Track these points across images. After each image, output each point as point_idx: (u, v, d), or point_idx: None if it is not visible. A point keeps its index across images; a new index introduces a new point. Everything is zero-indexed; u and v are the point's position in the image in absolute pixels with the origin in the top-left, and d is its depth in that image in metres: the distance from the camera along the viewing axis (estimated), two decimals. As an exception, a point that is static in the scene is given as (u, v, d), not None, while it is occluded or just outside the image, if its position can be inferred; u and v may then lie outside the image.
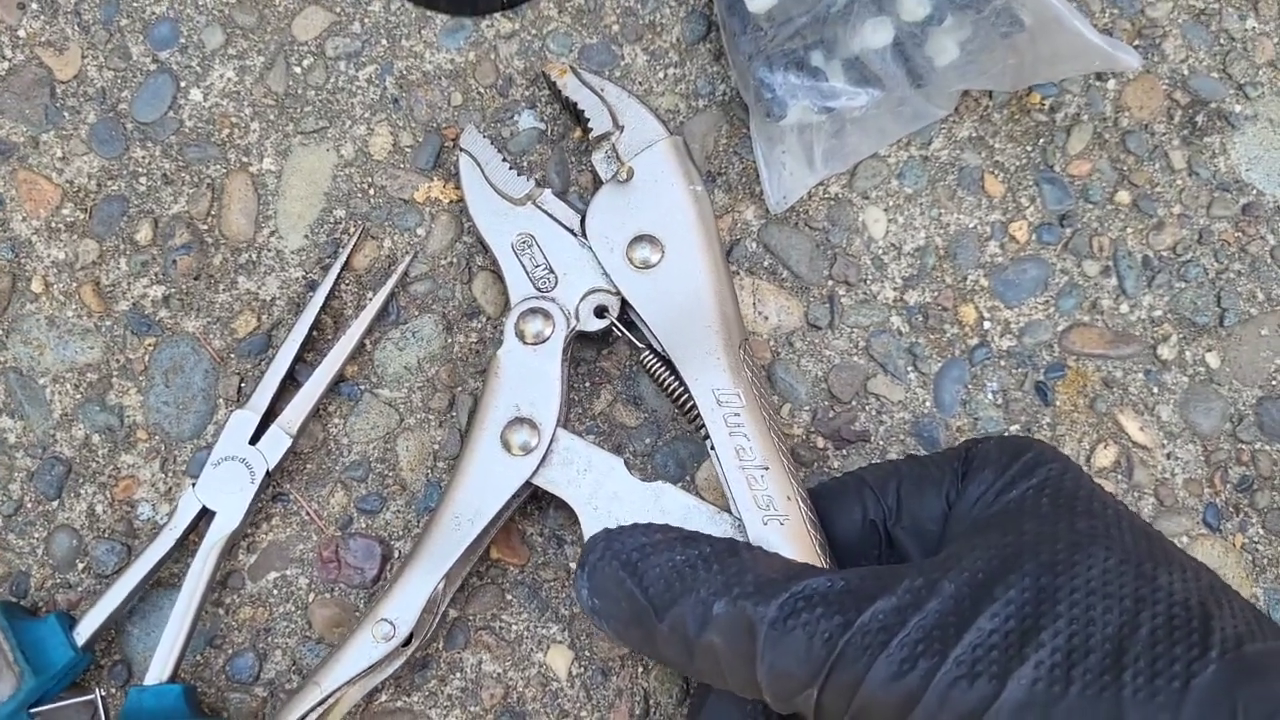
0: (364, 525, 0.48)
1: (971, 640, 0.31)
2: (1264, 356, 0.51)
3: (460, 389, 0.49)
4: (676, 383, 0.45)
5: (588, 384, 0.49)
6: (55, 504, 0.47)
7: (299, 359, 0.48)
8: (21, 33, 0.50)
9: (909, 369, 0.50)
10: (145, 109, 0.50)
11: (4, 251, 0.49)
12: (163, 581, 0.47)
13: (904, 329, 0.50)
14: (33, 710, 0.43)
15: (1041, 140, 0.52)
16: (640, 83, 0.52)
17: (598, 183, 0.47)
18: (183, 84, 0.51)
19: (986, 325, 0.51)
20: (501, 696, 0.47)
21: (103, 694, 0.44)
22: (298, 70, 0.51)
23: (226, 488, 0.45)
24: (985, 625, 0.32)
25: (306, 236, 0.50)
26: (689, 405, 0.44)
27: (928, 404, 0.50)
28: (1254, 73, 0.53)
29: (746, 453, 0.43)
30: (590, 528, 0.43)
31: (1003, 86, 0.51)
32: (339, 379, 0.48)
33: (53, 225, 0.49)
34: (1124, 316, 0.51)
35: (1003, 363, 0.50)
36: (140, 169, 0.50)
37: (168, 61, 0.51)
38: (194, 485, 0.45)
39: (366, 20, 0.52)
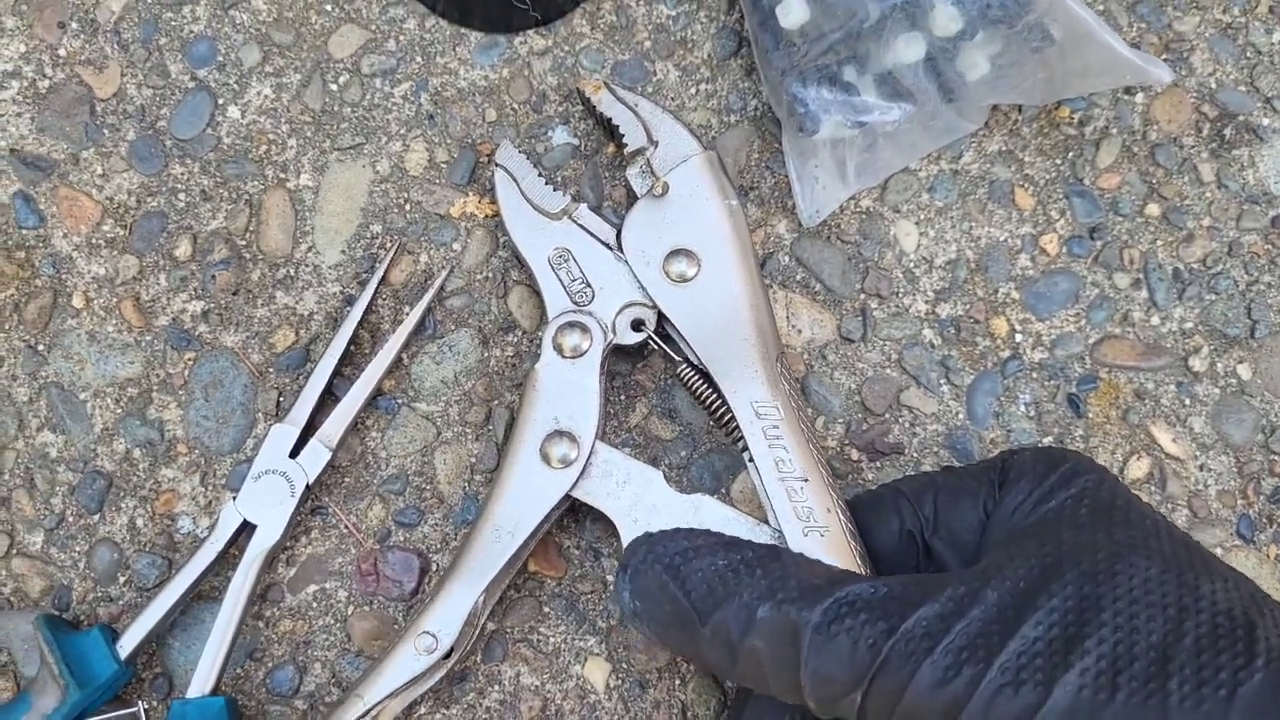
0: (402, 538, 0.48)
1: (1016, 648, 0.31)
2: (1295, 368, 0.51)
3: (497, 403, 0.49)
4: (714, 395, 0.45)
5: (623, 397, 0.49)
6: (96, 518, 0.47)
7: (337, 373, 0.48)
8: (62, 51, 0.51)
9: (942, 381, 0.50)
10: (184, 126, 0.51)
11: (46, 267, 0.49)
12: (203, 595, 0.47)
13: (936, 342, 0.51)
14: (77, 723, 0.43)
15: (1071, 154, 0.53)
16: (672, 98, 0.52)
17: (632, 198, 0.47)
18: (220, 101, 0.51)
19: (1018, 338, 0.51)
20: (540, 709, 0.47)
21: (145, 707, 0.45)
22: (334, 87, 0.52)
23: (267, 501, 0.46)
24: (1029, 633, 0.32)
25: (343, 252, 0.50)
26: (726, 418, 0.45)
27: (960, 416, 0.50)
28: (1281, 86, 0.53)
29: (786, 465, 0.43)
30: (630, 540, 0.43)
31: (1033, 100, 0.51)
32: (377, 393, 0.48)
33: (93, 241, 0.50)
34: (1155, 329, 0.51)
35: (1035, 375, 0.51)
36: (179, 185, 0.50)
37: (206, 79, 0.51)
38: (234, 499, 0.46)
39: (401, 38, 0.52)
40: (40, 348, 0.48)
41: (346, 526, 0.48)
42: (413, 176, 0.51)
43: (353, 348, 0.48)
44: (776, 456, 0.43)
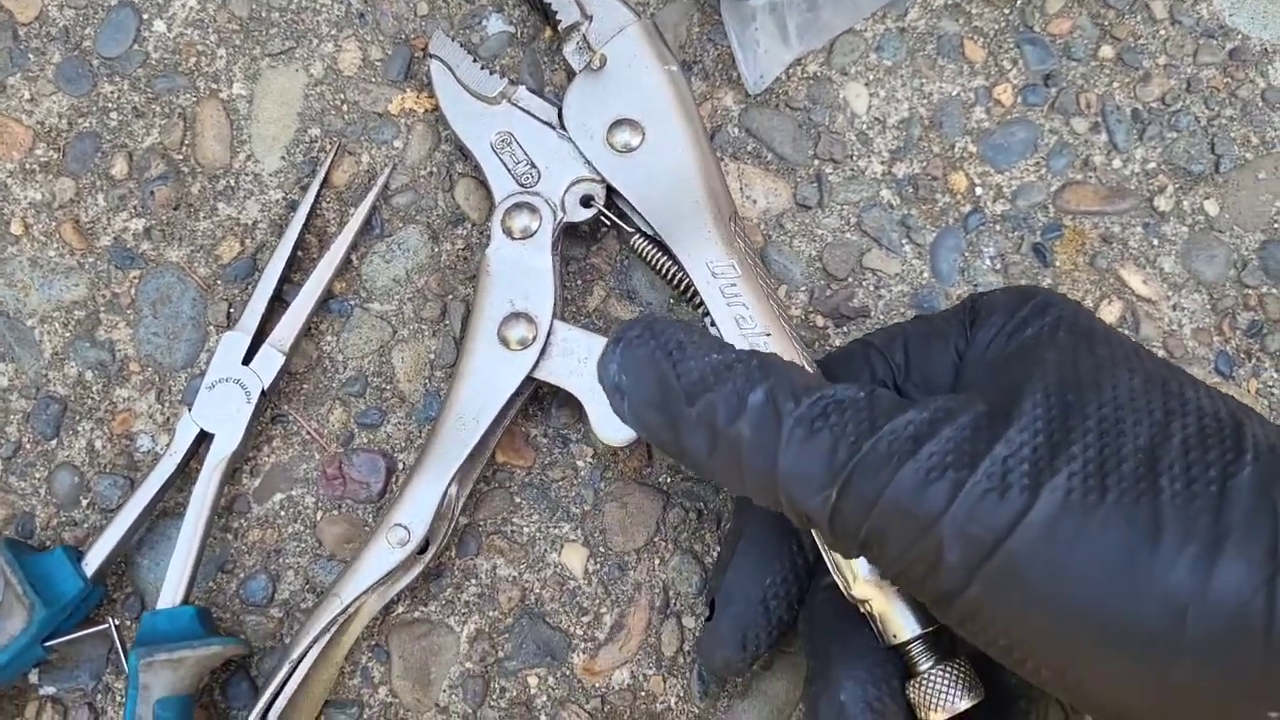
0: (366, 440, 0.47)
1: (1001, 453, 0.30)
2: (1263, 200, 0.50)
3: (451, 297, 0.48)
4: (669, 262, 0.44)
5: (579, 281, 0.49)
6: (54, 443, 0.47)
7: (285, 279, 0.47)
8: (-22, -22, 0.50)
9: (903, 241, 0.49)
10: (110, 44, 0.50)
11: (-20, 196, 0.48)
12: (168, 512, 0.46)
13: (895, 202, 0.50)
14: (47, 643, 0.43)
15: (1019, 2, 0.51)
16: (607, -22, 0.51)
17: (571, 77, 0.46)
18: (145, 16, 0.50)
19: (978, 191, 0.50)
20: (519, 599, 0.46)
21: (116, 624, 0.44)
22: (260, -6, 0.50)
23: (223, 409, 0.45)
24: (1015, 437, 0.31)
25: (283, 158, 0.49)
26: (684, 284, 0.44)
27: (925, 274, 0.49)
28: (1230, -84, 0.52)
29: (747, 322, 0.42)
30: (597, 418, 0.43)
31: (975, -53, 0.50)
32: (328, 296, 0.47)
33: (27, 167, 0.49)
34: (1117, 171, 0.50)
35: (998, 227, 0.50)
36: (110, 104, 0.49)
37: (128, -5, 0.50)
38: (190, 409, 0.45)
39: (325, -62, 0.51)
40: (-18, 277, 0.48)
41: (309, 432, 0.47)
42: (347, 77, 0.50)
43: (300, 253, 0.47)
44: (736, 314, 0.42)
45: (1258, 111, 0.50)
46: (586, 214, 0.45)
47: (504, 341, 0.44)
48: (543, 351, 0.44)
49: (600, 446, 0.47)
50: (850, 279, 0.49)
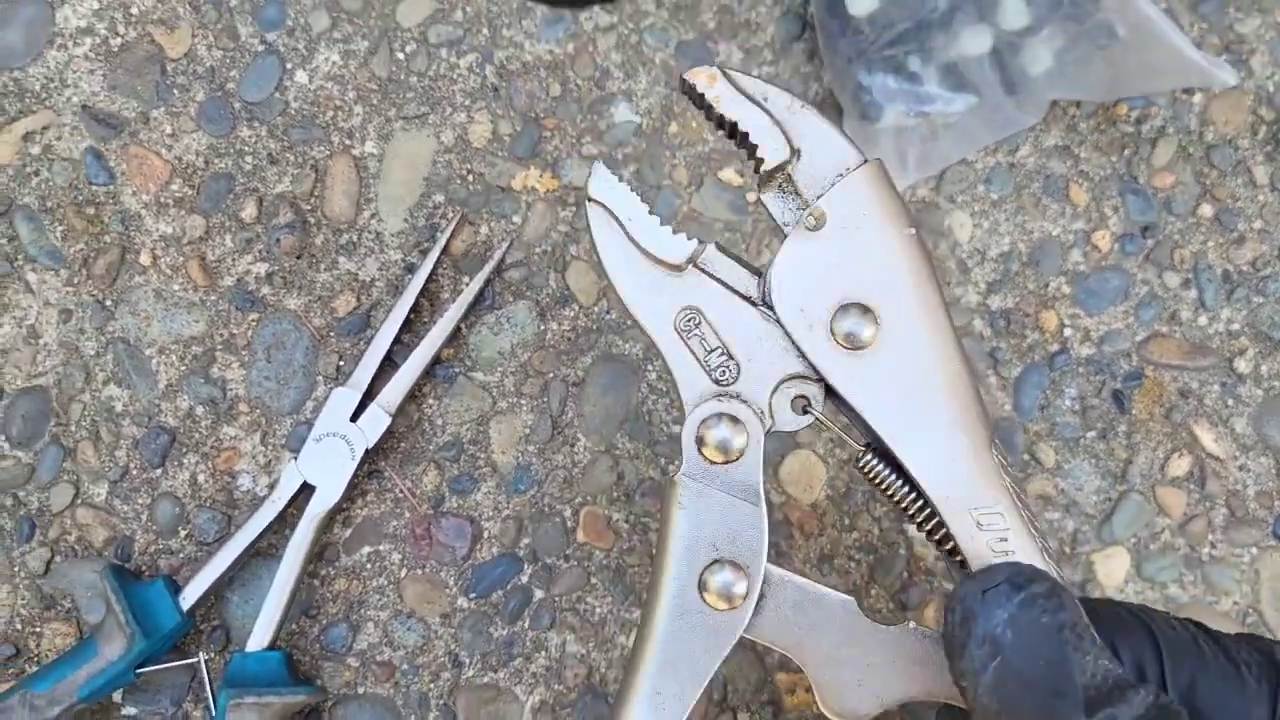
0: (456, 505, 0.49)
1: None
2: (1339, 373, 0.52)
3: (552, 375, 0.50)
4: (910, 492, 0.35)
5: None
6: (159, 472, 0.48)
7: (397, 340, 0.49)
8: (135, 10, 0.51)
9: (990, 372, 0.51)
10: (252, 89, 0.51)
11: (115, 224, 0.50)
12: (260, 552, 0.48)
13: (986, 332, 0.51)
14: (139, 670, 0.44)
15: (1127, 151, 0.53)
16: (734, 80, 0.53)
17: (776, 231, 0.36)
18: (289, 66, 0.52)
19: (1067, 332, 0.52)
20: (584, 676, 0.48)
21: (205, 658, 0.46)
22: (401, 56, 0.52)
23: (327, 463, 0.47)
24: None
25: (406, 220, 0.51)
26: (927, 519, 0.35)
27: (1007, 407, 0.51)
28: (1340, 92, 0.54)
29: None
30: (825, 692, 0.36)
31: (1094, 97, 0.52)
32: (435, 361, 0.49)
33: (161, 200, 0.50)
34: (1202, 329, 0.52)
35: (1082, 370, 0.51)
36: (247, 148, 0.51)
37: (275, 43, 0.52)
38: (296, 459, 0.47)
39: (469, 9, 0.52)
40: (108, 303, 0.49)
41: (402, 491, 0.49)
42: (476, 148, 0.52)
43: (412, 315, 0.49)
44: None
45: (1344, 287, 0.52)
46: (801, 422, 0.36)
47: (705, 596, 0.35)
48: (756, 608, 0.35)
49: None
50: (935, 403, 0.51)
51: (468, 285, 0.49)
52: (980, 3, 0.49)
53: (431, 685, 0.48)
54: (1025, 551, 0.34)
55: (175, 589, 0.45)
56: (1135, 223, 0.53)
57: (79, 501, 0.48)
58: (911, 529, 0.45)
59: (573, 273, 0.51)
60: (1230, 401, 0.51)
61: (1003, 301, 0.52)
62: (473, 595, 0.48)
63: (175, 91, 0.51)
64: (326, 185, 0.51)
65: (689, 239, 0.36)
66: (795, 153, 0.35)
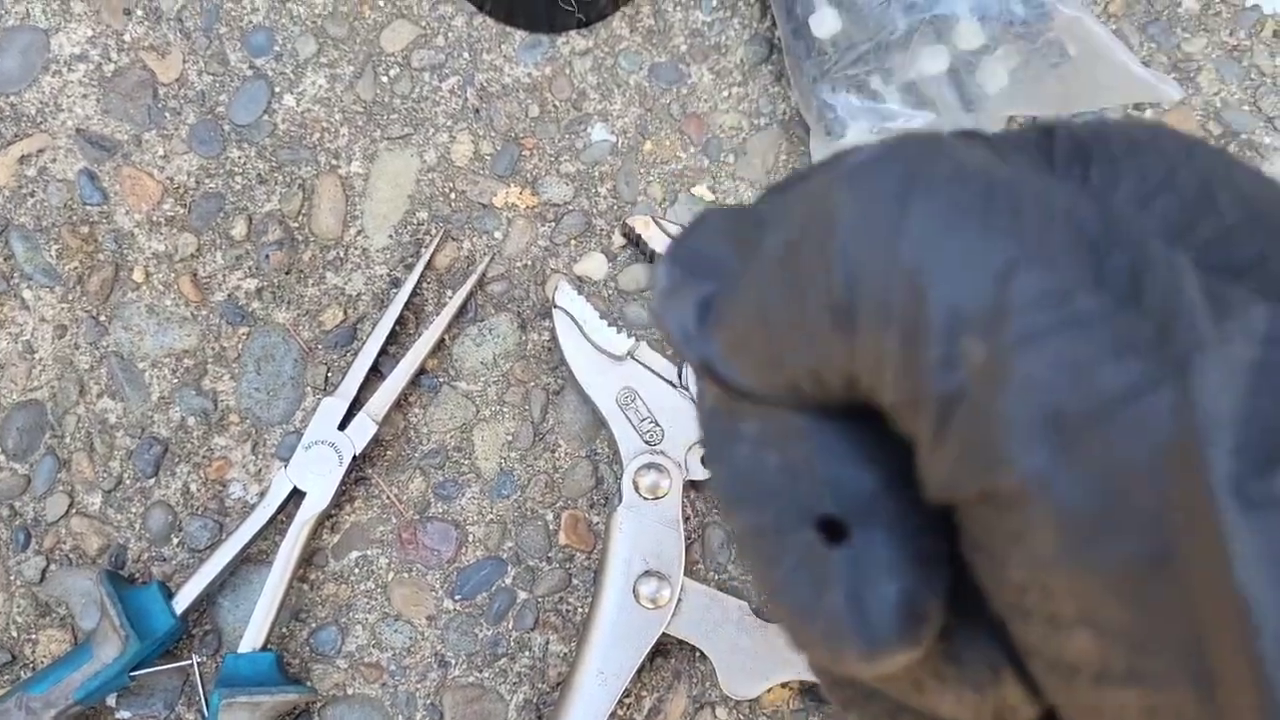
0: (441, 510, 0.51)
1: None
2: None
3: (533, 384, 0.52)
4: None
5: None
6: (152, 481, 0.50)
7: (383, 352, 0.50)
8: (127, 37, 0.53)
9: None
10: (242, 112, 0.53)
11: (108, 242, 0.52)
12: (251, 557, 0.49)
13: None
14: (133, 673, 0.46)
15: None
16: (705, 100, 0.55)
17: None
18: (277, 89, 0.54)
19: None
20: (568, 676, 0.49)
21: (197, 660, 0.47)
22: (385, 79, 0.54)
23: (316, 470, 0.48)
24: None
25: (391, 236, 0.53)
26: None
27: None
28: (1283, 107, 0.56)
29: None
30: (725, 675, 0.47)
31: (1048, 113, 0.54)
32: (420, 371, 0.51)
33: (154, 219, 0.52)
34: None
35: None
36: (236, 168, 0.53)
37: (263, 68, 0.54)
38: (286, 467, 0.48)
39: (450, 34, 0.55)
40: (102, 318, 0.51)
41: (389, 497, 0.51)
42: (458, 167, 0.54)
43: (398, 328, 0.51)
44: None
45: (1291, 292, 0.55)
46: (707, 473, 0.48)
47: (637, 598, 0.47)
48: (675, 609, 0.47)
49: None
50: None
51: (451, 298, 0.51)
52: (937, 24, 0.51)
53: (419, 685, 0.49)
54: None
55: (168, 594, 0.47)
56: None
57: (74, 511, 0.49)
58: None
59: (551, 285, 0.53)
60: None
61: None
62: (458, 597, 0.50)
63: (167, 115, 0.53)
64: (314, 204, 0.53)
65: (629, 337, 0.49)
66: None
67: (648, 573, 0.47)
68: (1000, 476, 0.15)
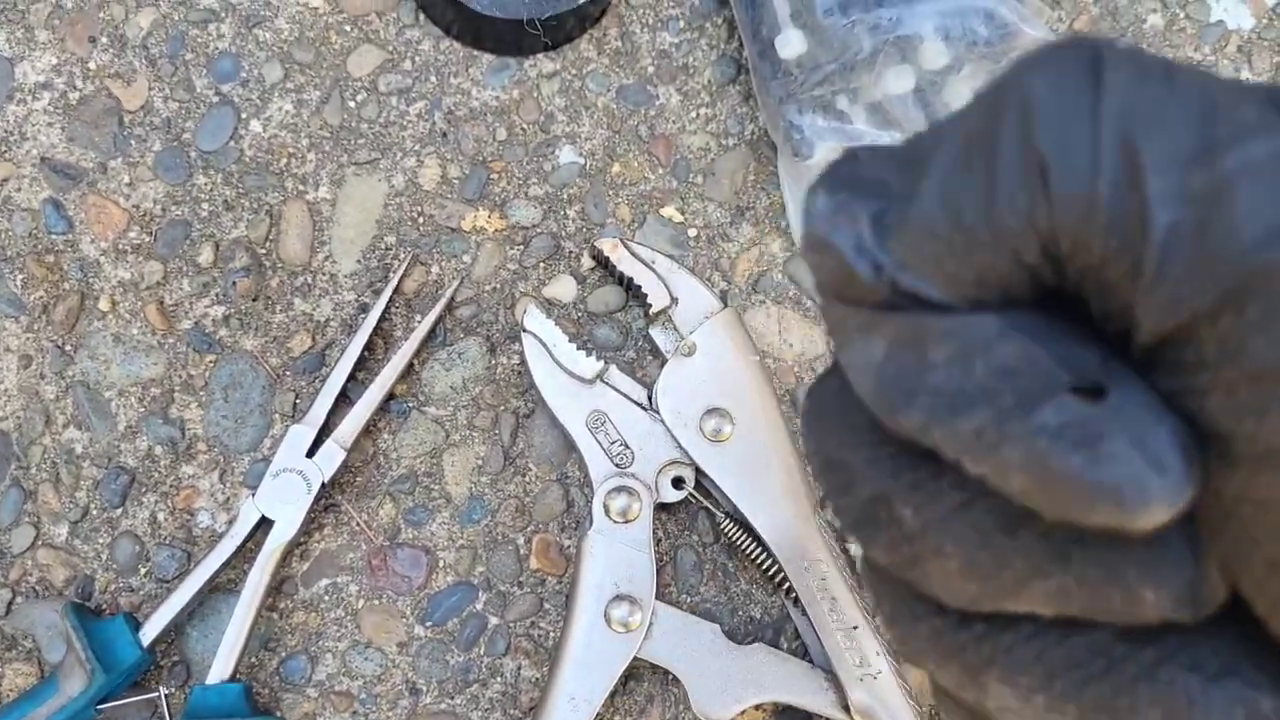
0: (411, 536, 0.50)
1: None
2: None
3: (503, 408, 0.52)
4: (760, 550, 0.48)
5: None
6: (119, 511, 0.50)
7: (351, 378, 0.50)
8: (92, 65, 0.53)
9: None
10: (208, 139, 0.53)
11: (74, 271, 0.51)
12: (219, 586, 0.49)
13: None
14: (99, 706, 0.45)
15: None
16: (673, 121, 0.55)
17: (658, 356, 0.51)
18: (243, 115, 0.53)
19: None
20: (539, 700, 0.49)
21: (165, 692, 0.47)
22: (352, 104, 0.54)
23: (284, 498, 0.48)
24: None
25: (359, 261, 0.53)
26: (774, 572, 0.48)
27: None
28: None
29: (836, 614, 0.47)
30: (698, 698, 0.47)
31: (1015, 131, 0.54)
32: (389, 397, 0.51)
33: (120, 247, 0.52)
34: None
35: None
36: (203, 195, 0.53)
37: (229, 94, 0.54)
38: (253, 495, 0.48)
39: (417, 58, 0.55)
40: (67, 348, 0.51)
41: (358, 524, 0.50)
42: (426, 191, 0.54)
43: (367, 353, 0.51)
44: (828, 605, 0.47)
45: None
46: (678, 495, 0.49)
47: (609, 622, 0.46)
48: (646, 633, 0.47)
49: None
50: (873, 426, 0.53)
51: (420, 323, 0.51)
52: (902, 45, 0.51)
53: (390, 713, 0.49)
54: (838, 584, 0.46)
55: (136, 625, 0.47)
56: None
57: (40, 542, 0.49)
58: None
59: (520, 308, 0.53)
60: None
61: (935, 327, 0.54)
62: (429, 624, 0.50)
63: (132, 142, 0.53)
64: (281, 230, 0.53)
65: (598, 360, 0.49)
66: (674, 300, 0.49)
67: (619, 597, 0.47)
68: (1246, 265, 0.15)
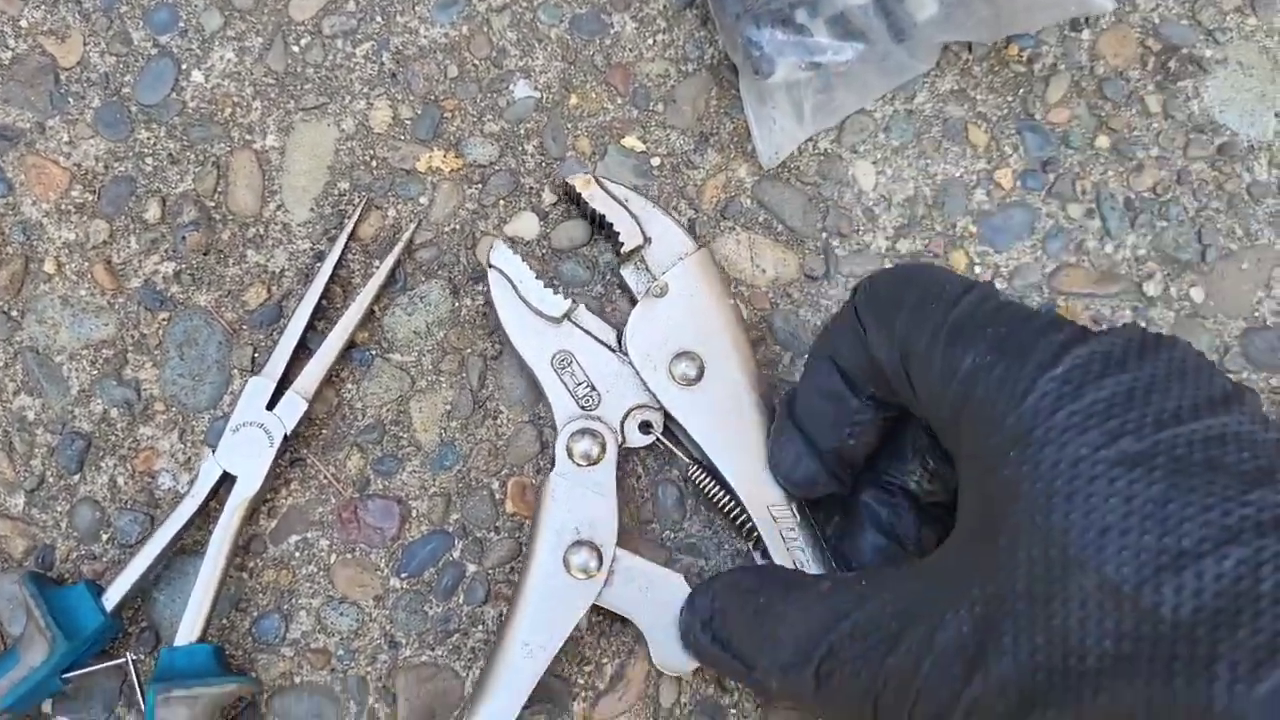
0: (381, 486, 0.49)
1: None
2: (1245, 289, 0.52)
3: (469, 351, 0.50)
4: (727, 497, 0.46)
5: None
6: (77, 478, 0.48)
7: (310, 327, 0.49)
8: (24, 22, 0.51)
9: (904, 314, 0.51)
10: (148, 92, 0.51)
11: (16, 234, 0.50)
12: (186, 549, 0.47)
13: (898, 276, 0.52)
14: (64, 675, 0.44)
15: (1021, 90, 0.54)
16: (630, 49, 0.53)
17: (629, 297, 0.49)
18: (184, 66, 0.52)
19: (977, 269, 0.52)
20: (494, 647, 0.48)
21: (133, 658, 0.45)
22: (296, 49, 0.52)
23: (246, 452, 0.46)
24: None
25: (312, 209, 0.51)
26: (741, 520, 0.46)
27: (924, 347, 0.51)
28: (1221, 19, 0.55)
29: (803, 566, 0.45)
30: (656, 648, 0.45)
31: (981, 38, 0.53)
32: (350, 345, 0.49)
33: (62, 207, 0.50)
34: (1109, 256, 0.53)
35: (994, 305, 0.52)
36: (146, 150, 0.51)
37: (168, 45, 0.52)
38: (214, 451, 0.46)
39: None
40: (14, 313, 0.49)
41: (326, 477, 0.49)
42: (377, 134, 0.52)
43: (325, 302, 0.49)
44: (794, 558, 0.45)
45: (1243, 205, 0.53)
46: (645, 440, 0.47)
47: (568, 568, 0.44)
48: (606, 580, 0.45)
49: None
50: (852, 349, 0.51)
51: (378, 268, 0.49)
52: (859, -50, 0.50)
53: (369, 669, 0.47)
54: (806, 536, 0.45)
55: (98, 591, 0.45)
56: (1035, 159, 0.53)
57: (-4, 514, 0.47)
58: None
59: (482, 248, 0.51)
60: (1143, 324, 0.52)
61: (911, 245, 0.52)
62: (404, 575, 0.48)
63: (70, 100, 0.51)
64: (229, 181, 0.51)
65: (565, 298, 0.47)
66: (647, 240, 0.48)
67: (579, 542, 0.45)
68: None
